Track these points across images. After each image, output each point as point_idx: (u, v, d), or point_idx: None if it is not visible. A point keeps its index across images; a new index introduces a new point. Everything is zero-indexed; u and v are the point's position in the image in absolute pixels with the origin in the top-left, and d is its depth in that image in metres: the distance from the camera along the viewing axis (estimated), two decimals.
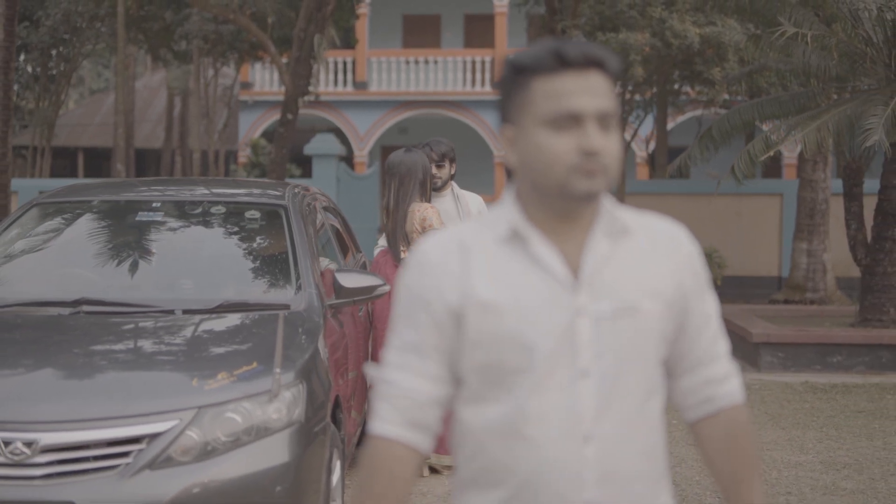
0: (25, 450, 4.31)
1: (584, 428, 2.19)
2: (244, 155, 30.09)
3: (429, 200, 7.03)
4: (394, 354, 2.28)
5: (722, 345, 2.39)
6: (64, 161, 34.68)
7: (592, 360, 2.20)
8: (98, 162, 34.65)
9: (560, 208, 2.22)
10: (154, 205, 6.23)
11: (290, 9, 18.85)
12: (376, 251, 7.25)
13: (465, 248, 2.26)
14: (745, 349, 11.94)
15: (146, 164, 35.00)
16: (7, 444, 4.32)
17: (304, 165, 27.04)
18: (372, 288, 5.94)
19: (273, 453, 4.54)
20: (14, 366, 4.80)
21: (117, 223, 6.22)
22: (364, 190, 20.04)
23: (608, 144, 2.19)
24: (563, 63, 2.18)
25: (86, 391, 4.61)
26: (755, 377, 11.07)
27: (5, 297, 5.54)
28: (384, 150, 32.34)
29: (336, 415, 5.37)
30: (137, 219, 6.13)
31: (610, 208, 2.28)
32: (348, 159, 29.82)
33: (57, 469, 4.31)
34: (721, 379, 2.37)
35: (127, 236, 6.09)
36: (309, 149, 18.06)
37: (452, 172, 7.65)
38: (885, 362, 11.32)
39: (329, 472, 4.97)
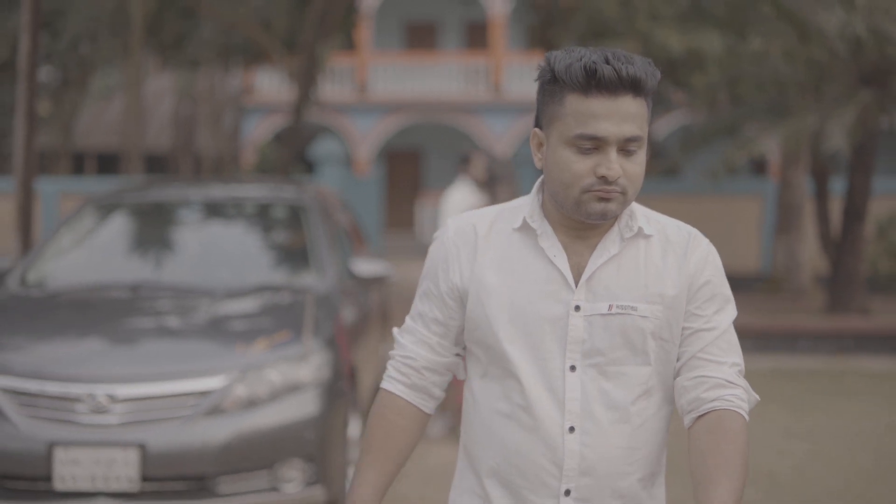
0: (105, 401, 5.31)
1: (569, 419, 2.24)
2: (249, 158, 30.90)
3: None
4: (408, 319, 2.43)
5: (729, 357, 2.29)
6: (71, 165, 35.35)
7: (581, 356, 2.24)
8: (106, 165, 35.36)
9: (576, 218, 2.26)
10: (193, 202, 7.25)
11: (298, 11, 19.67)
12: None
13: (481, 233, 2.33)
14: None
15: (152, 166, 35.70)
16: (90, 395, 5.32)
17: (301, 165, 27.77)
18: (383, 275, 6.96)
19: (304, 406, 5.55)
20: (91, 334, 5.83)
21: (163, 219, 7.23)
22: (365, 192, 20.72)
23: (630, 168, 2.20)
24: (595, 84, 2.16)
25: (152, 354, 5.64)
26: None
27: (76, 281, 6.58)
28: (390, 154, 33.19)
29: (352, 379, 6.36)
30: (180, 215, 7.16)
31: (630, 212, 2.30)
32: (348, 162, 30.64)
33: (131, 417, 5.31)
34: (715, 383, 2.26)
35: (172, 230, 7.13)
36: (314, 153, 18.85)
37: None
38: (848, 348, 12.29)
39: (346, 425, 5.97)
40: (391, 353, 2.44)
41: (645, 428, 2.28)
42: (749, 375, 8.77)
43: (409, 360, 2.39)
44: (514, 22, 31.50)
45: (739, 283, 17.27)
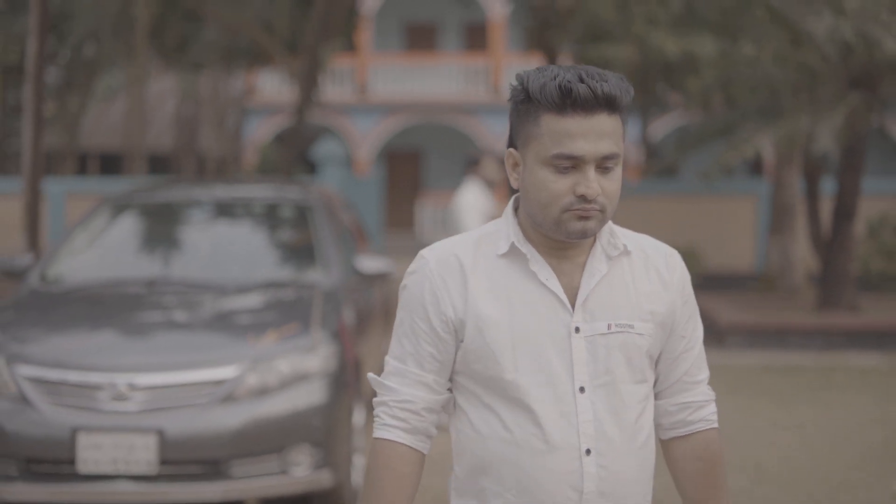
0: (125, 389, 5.63)
1: (585, 442, 2.25)
2: (251, 158, 31.18)
3: None
4: (394, 362, 2.33)
5: (703, 372, 2.40)
6: (75, 164, 35.56)
7: (588, 377, 2.25)
8: (109, 165, 35.60)
9: (555, 237, 2.27)
10: (204, 203, 7.58)
11: (300, 13, 19.95)
12: None
13: (466, 262, 2.29)
14: (714, 333, 13.26)
15: (155, 166, 35.93)
16: (111, 384, 5.64)
17: (303, 166, 28.04)
18: (386, 272, 7.28)
19: (312, 395, 5.87)
20: (111, 326, 6.17)
21: (176, 218, 7.56)
22: (366, 193, 20.96)
23: (608, 185, 2.20)
24: (571, 104, 2.16)
25: (169, 345, 5.98)
26: (721, 357, 12.31)
27: (94, 277, 6.92)
28: (390, 155, 33.46)
29: (357, 371, 6.67)
30: (192, 214, 7.49)
31: (610, 230, 2.31)
32: (349, 162, 30.90)
33: (149, 405, 5.64)
34: (697, 406, 2.38)
35: (185, 229, 7.46)
36: (315, 154, 19.13)
37: None
38: (836, 345, 12.61)
39: (351, 413, 6.28)
40: (378, 399, 2.36)
41: (648, 442, 2.33)
42: (741, 371, 8.96)
43: (407, 403, 2.31)
44: (514, 23, 31.77)
45: (734, 282, 17.63)
